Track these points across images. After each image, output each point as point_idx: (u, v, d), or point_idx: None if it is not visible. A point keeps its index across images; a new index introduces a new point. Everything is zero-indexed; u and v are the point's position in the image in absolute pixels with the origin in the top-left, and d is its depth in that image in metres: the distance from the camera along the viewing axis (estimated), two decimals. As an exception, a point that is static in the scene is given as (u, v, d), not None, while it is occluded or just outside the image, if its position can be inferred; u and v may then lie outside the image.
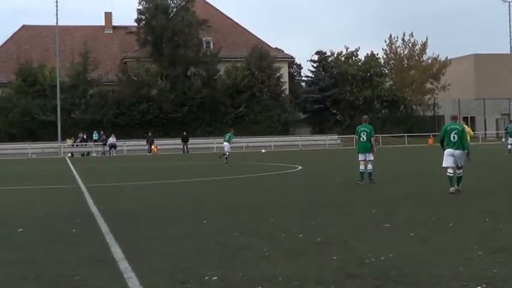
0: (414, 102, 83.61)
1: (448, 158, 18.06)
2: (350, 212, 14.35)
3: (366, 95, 80.00)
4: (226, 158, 40.28)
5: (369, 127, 21.99)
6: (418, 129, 78.75)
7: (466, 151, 18.22)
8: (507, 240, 10.24)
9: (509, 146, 43.63)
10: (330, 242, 10.40)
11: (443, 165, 18.14)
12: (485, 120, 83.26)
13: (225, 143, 41.67)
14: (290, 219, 13.21)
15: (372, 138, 21.87)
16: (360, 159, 22.07)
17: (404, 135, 75.32)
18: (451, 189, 17.70)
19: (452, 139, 17.97)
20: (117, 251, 9.81)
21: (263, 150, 60.66)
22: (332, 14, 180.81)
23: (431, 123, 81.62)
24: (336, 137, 76.42)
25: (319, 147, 69.81)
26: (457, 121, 18.70)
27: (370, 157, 21.96)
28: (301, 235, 11.11)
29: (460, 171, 18.32)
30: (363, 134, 21.99)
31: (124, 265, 8.74)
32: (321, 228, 11.83)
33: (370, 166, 21.91)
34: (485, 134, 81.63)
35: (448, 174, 18.00)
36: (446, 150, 18.14)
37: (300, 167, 33.34)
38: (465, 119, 76.49)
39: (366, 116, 23.60)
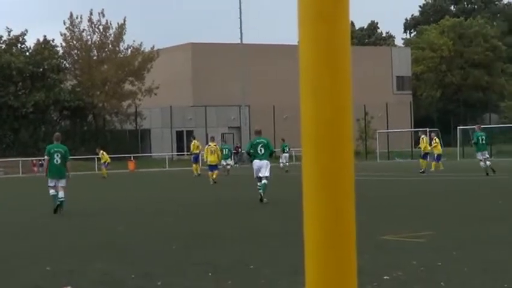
0: (108, 110, 74.73)
1: (256, 171, 22.98)
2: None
3: (37, 100, 70.09)
4: None
5: (63, 147, 22.03)
6: (114, 148, 67.68)
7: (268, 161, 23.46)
8: None
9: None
10: None
11: (255, 176, 23.32)
12: (206, 135, 66.71)
13: None
14: None
15: (68, 162, 21.95)
16: (49, 184, 21.72)
17: (94, 158, 63.36)
18: (264, 200, 22.40)
19: (259, 151, 23.02)
20: None
21: None
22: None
23: (132, 141, 73.96)
24: (-8, 161, 66.88)
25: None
26: (261, 135, 23.97)
27: (62, 183, 21.45)
28: None
29: (265, 180, 22.94)
30: (57, 155, 21.59)
31: None
32: None
33: (61, 193, 21.28)
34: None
35: (257, 186, 23.13)
36: (254, 162, 23.18)
37: None
38: (180, 133, 73.66)
39: (57, 134, 23.75)
